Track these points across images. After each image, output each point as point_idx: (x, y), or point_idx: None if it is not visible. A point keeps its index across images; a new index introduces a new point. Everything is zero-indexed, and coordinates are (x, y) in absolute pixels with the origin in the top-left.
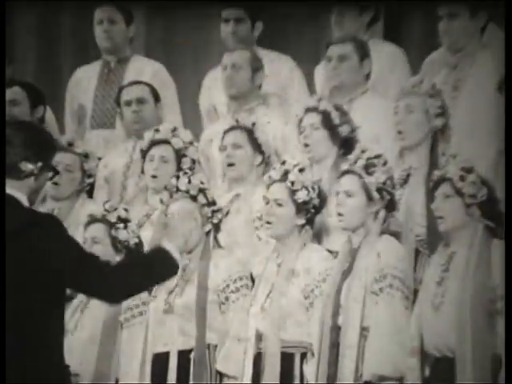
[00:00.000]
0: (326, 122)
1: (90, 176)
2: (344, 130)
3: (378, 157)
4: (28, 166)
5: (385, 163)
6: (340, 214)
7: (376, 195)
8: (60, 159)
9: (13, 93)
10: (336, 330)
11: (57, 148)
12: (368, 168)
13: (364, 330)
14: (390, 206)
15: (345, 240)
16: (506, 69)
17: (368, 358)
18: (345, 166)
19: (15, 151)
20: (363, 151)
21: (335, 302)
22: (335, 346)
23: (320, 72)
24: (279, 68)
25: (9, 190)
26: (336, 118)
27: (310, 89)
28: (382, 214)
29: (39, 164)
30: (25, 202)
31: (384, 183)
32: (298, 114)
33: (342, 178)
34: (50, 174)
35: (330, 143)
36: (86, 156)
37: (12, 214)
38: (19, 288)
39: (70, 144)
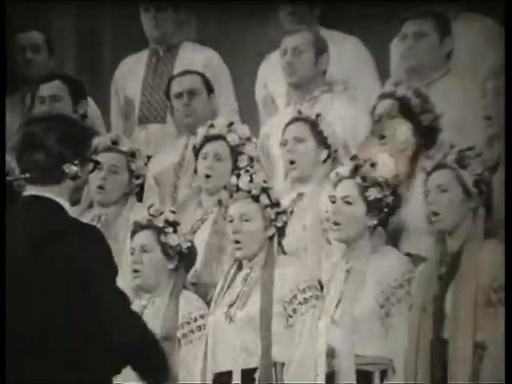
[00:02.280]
0: (405, 109)
1: (138, 177)
2: (425, 119)
3: (470, 149)
4: (72, 169)
5: (479, 155)
6: (435, 214)
7: (473, 189)
8: (104, 159)
9: (53, 87)
10: (440, 343)
11: (93, 136)
12: (461, 161)
13: (478, 347)
14: (488, 203)
15: (435, 241)
16: (506, 68)
17: (485, 377)
18: (432, 162)
19: (51, 151)
20: (452, 146)
21: (437, 311)
22: (441, 362)
23: (393, 52)
24: (345, 50)
25: (49, 195)
26: (416, 105)
27: (381, 72)
28: (482, 211)
29: (82, 163)
30: (67, 208)
31: (481, 175)
32: (371, 102)
33: (433, 174)
34: (91, 167)
35: (409, 134)
36: (132, 155)
37: (53, 219)
38: (46, 294)
39: (115, 142)
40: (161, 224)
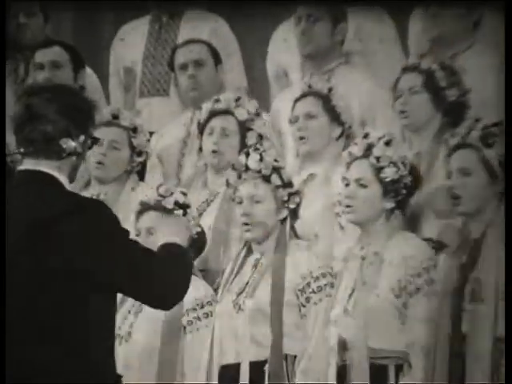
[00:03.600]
0: (430, 83)
1: (140, 153)
2: (451, 94)
3: (496, 125)
4: (70, 144)
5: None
6: (456, 197)
7: (500, 171)
8: (103, 135)
9: (53, 53)
10: (458, 337)
11: (95, 109)
12: (486, 139)
13: (498, 341)
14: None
15: (459, 227)
16: (505, 68)
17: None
18: (455, 139)
19: (50, 124)
20: (477, 120)
21: (455, 303)
22: (458, 357)
23: (415, 21)
24: (365, 19)
25: (47, 170)
26: (442, 78)
27: (404, 43)
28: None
29: (81, 138)
30: (67, 184)
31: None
32: (393, 75)
33: (455, 154)
34: (89, 143)
35: (433, 110)
36: (134, 130)
37: (52, 197)
38: (56, 282)
39: (115, 116)
40: (170, 206)
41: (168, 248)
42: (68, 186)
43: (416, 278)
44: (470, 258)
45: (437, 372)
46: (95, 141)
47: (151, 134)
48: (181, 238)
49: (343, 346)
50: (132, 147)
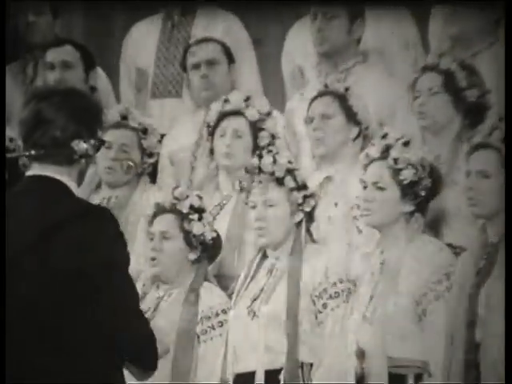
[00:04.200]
0: (449, 84)
1: (150, 155)
2: (471, 95)
3: None
4: (82, 146)
5: None
6: (471, 199)
7: None
8: (112, 137)
9: (64, 52)
10: (471, 345)
11: (102, 111)
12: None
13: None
14: None
15: (478, 231)
16: (505, 68)
17: None
18: (477, 139)
19: (59, 129)
20: (500, 119)
21: (470, 311)
22: (472, 367)
23: (436, 19)
24: (383, 16)
25: (55, 175)
26: (462, 79)
27: (424, 42)
28: None
29: (92, 141)
30: (75, 189)
31: None
32: (412, 75)
33: (474, 154)
34: (97, 145)
35: (452, 111)
36: (144, 131)
37: (60, 203)
38: (60, 285)
39: (124, 117)
40: (185, 210)
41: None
42: (76, 191)
43: (437, 285)
44: (487, 264)
45: (451, 380)
46: (102, 143)
47: (163, 136)
48: None
49: (361, 354)
50: (142, 149)
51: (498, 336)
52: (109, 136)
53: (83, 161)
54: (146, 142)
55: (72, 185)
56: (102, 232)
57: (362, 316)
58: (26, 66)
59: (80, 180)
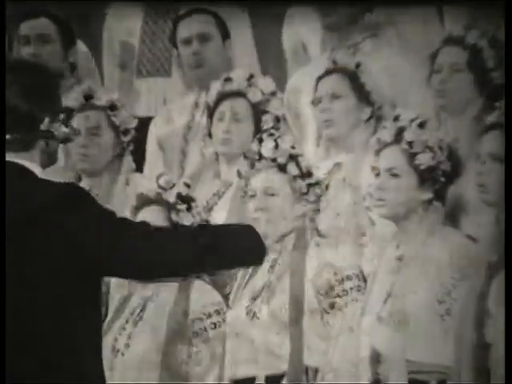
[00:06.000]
0: (475, 62)
1: (126, 132)
2: (498, 77)
3: None
4: (42, 128)
5: None
6: (481, 185)
7: None
8: (79, 123)
9: (39, 26)
10: (482, 348)
11: (61, 83)
12: None
13: None
14: None
15: (491, 220)
16: (505, 68)
17: None
18: (491, 119)
19: (11, 112)
20: None
21: (479, 309)
22: (482, 372)
23: None
24: None
25: (17, 160)
26: (490, 58)
27: (441, 10)
28: None
29: (46, 120)
30: (39, 173)
31: None
32: (430, 48)
33: (486, 135)
34: (65, 134)
35: (475, 92)
36: (112, 107)
37: (24, 188)
38: (39, 280)
39: (88, 97)
40: (172, 199)
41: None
42: (41, 174)
43: (461, 282)
44: (499, 258)
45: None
46: (67, 114)
47: (150, 118)
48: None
49: (377, 358)
50: (114, 127)
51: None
52: (75, 121)
53: (42, 142)
54: (118, 119)
55: (35, 168)
56: (78, 209)
57: (377, 317)
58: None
59: (46, 161)
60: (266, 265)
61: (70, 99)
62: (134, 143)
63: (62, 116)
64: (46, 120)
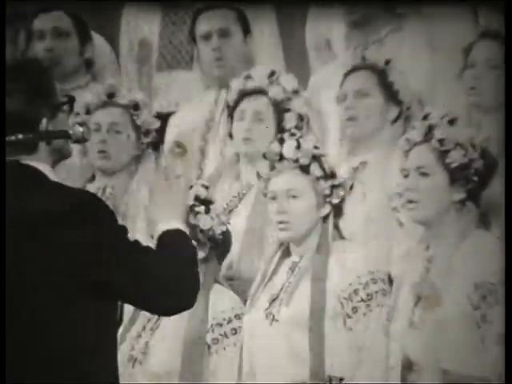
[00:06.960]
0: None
1: (147, 133)
2: None
3: None
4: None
5: None
6: None
7: None
8: (100, 119)
9: (55, 19)
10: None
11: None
12: None
13: None
14: None
15: None
16: (505, 68)
17: None
18: None
19: (9, 117)
20: None
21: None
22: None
23: None
24: None
25: (26, 162)
26: None
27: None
28: None
29: (44, 121)
30: (52, 176)
31: None
32: (462, 41)
33: None
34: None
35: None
36: (135, 107)
37: (36, 194)
38: (47, 285)
39: (111, 95)
40: (190, 201)
41: (170, 239)
42: (51, 173)
43: (498, 286)
44: None
45: None
46: (70, 99)
47: (169, 114)
48: (179, 213)
49: (408, 366)
50: (136, 127)
51: None
52: (95, 118)
53: (43, 142)
54: (140, 119)
55: (47, 170)
56: (95, 221)
57: (409, 322)
58: (17, 34)
59: (57, 158)
60: (286, 267)
61: (89, 96)
62: (153, 143)
63: (78, 117)
64: (44, 120)
